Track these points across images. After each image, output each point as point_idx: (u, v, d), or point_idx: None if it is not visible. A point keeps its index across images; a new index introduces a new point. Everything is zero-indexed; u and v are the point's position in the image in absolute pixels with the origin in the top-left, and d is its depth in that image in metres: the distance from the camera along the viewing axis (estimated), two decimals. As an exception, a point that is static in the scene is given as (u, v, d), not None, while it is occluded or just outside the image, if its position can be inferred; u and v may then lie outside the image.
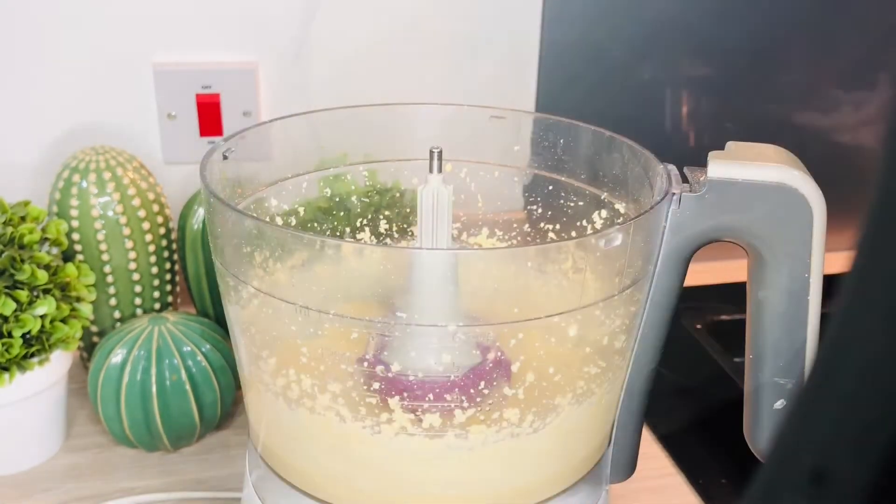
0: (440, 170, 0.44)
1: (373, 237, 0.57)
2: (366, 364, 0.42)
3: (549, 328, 0.42)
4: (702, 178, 0.42)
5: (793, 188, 0.41)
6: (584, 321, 0.43)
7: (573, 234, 0.53)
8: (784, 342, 0.45)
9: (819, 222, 0.41)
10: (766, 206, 0.42)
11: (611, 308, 0.43)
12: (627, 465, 0.51)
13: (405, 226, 0.58)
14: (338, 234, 0.57)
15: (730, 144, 0.44)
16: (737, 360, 0.75)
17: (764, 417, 0.47)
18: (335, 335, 0.41)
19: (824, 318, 0.44)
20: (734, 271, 0.64)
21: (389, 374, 0.42)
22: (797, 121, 0.93)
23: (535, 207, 0.55)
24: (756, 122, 0.92)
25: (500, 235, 0.57)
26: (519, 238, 0.57)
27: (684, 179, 0.44)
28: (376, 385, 0.42)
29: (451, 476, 0.44)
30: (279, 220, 0.53)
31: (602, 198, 0.51)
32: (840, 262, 0.29)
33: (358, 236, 0.57)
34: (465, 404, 0.42)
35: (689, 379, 0.77)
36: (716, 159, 0.42)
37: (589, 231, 0.52)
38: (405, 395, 0.41)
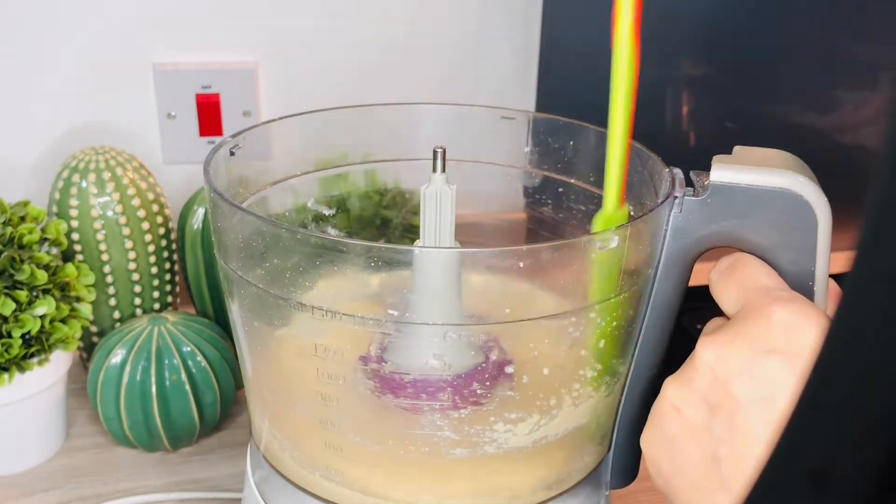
0: (444, 169, 0.44)
1: (375, 236, 0.57)
2: (363, 362, 0.43)
3: (546, 330, 0.42)
4: (705, 182, 0.41)
5: (797, 194, 0.40)
6: (581, 323, 0.42)
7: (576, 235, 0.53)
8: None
9: (824, 230, 0.40)
10: (770, 212, 0.40)
11: (609, 311, 0.43)
12: (628, 471, 0.51)
13: (408, 225, 0.58)
14: (339, 233, 0.57)
15: (737, 149, 0.42)
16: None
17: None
18: (334, 333, 0.41)
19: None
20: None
21: (385, 373, 0.42)
22: (797, 121, 0.93)
23: (540, 209, 0.55)
24: (756, 122, 0.91)
25: (504, 236, 0.57)
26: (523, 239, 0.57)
27: (689, 183, 0.43)
28: (372, 383, 0.42)
29: (448, 477, 0.43)
30: (280, 220, 0.53)
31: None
32: (840, 262, 0.29)
33: (360, 236, 0.57)
34: (460, 404, 0.42)
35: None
36: (719, 163, 0.41)
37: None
38: (400, 393, 0.41)
